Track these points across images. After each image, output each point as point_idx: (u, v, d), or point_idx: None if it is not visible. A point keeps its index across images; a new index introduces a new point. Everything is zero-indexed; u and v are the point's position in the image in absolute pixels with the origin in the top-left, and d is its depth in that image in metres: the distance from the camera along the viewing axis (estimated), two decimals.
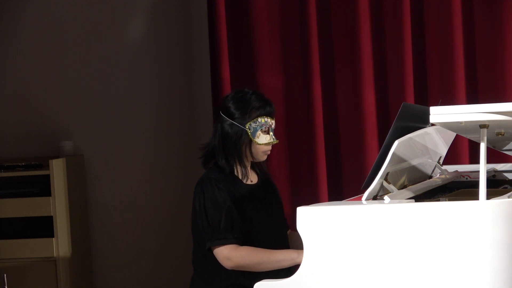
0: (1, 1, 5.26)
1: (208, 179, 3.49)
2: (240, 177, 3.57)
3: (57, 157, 5.02)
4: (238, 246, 3.42)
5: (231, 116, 3.54)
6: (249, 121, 3.52)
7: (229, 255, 3.41)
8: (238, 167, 3.57)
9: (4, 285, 4.40)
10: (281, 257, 3.38)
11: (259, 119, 3.52)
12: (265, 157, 3.60)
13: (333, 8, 4.71)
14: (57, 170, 4.86)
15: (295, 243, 3.56)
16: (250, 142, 3.53)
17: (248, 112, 3.52)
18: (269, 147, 3.58)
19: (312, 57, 4.68)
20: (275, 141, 3.58)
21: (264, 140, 3.54)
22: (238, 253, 3.40)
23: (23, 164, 4.99)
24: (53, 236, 4.82)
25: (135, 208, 5.27)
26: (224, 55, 4.74)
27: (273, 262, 3.39)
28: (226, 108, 3.56)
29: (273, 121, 3.58)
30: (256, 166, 3.67)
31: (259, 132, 3.52)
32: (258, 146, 3.53)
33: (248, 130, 3.51)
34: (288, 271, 3.28)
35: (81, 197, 5.19)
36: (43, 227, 4.91)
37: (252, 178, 3.63)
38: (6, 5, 5.26)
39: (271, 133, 3.56)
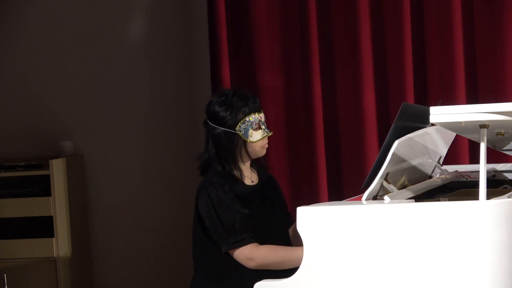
0: (1, 1, 5.26)
1: (211, 183, 3.46)
2: (239, 178, 3.55)
3: (57, 157, 5.02)
4: (258, 245, 3.39)
5: (219, 122, 3.49)
6: (237, 123, 3.49)
7: (251, 255, 3.38)
8: (235, 171, 3.55)
9: (4, 285, 4.40)
10: (302, 254, 3.35)
11: (247, 118, 3.49)
12: (264, 152, 3.57)
13: (333, 8, 4.71)
14: (57, 170, 4.86)
15: (299, 239, 3.55)
16: (244, 143, 3.51)
17: (234, 114, 3.48)
18: (266, 140, 3.55)
19: (312, 57, 4.68)
20: (270, 133, 3.54)
21: (258, 136, 3.51)
22: (260, 253, 3.37)
23: (23, 164, 4.99)
24: (53, 236, 4.83)
25: (135, 208, 5.27)
26: (224, 55, 4.74)
27: (295, 259, 3.33)
28: (212, 114, 3.52)
29: (262, 114, 3.53)
30: (255, 164, 3.65)
31: (250, 131, 3.49)
32: (253, 144, 3.51)
33: (239, 132, 3.49)
34: (289, 271, 3.28)
35: (81, 197, 5.19)
36: (43, 227, 4.91)
37: (253, 178, 3.62)
38: (6, 5, 5.26)
39: (263, 127, 3.53)
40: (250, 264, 3.38)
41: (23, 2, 5.25)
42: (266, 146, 3.56)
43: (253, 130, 3.49)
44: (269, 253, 3.37)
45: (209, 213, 3.42)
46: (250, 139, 3.49)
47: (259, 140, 3.51)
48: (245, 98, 3.51)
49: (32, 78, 5.28)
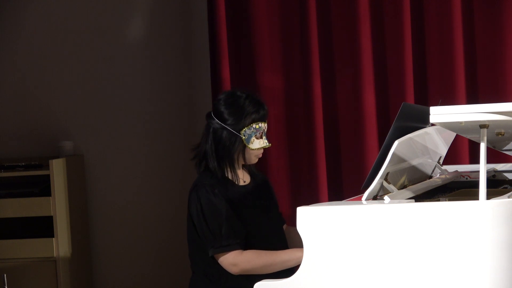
0: (1, 1, 5.26)
1: (202, 185, 3.47)
2: (232, 179, 3.56)
3: (57, 157, 5.02)
4: (242, 251, 3.41)
5: (224, 121, 3.51)
6: (243, 128, 3.50)
7: (235, 261, 3.39)
8: (229, 171, 3.55)
9: (4, 285, 4.40)
10: (286, 257, 3.38)
11: (254, 125, 3.50)
12: (256, 160, 3.60)
13: (333, 8, 4.71)
14: (57, 170, 4.86)
15: (292, 238, 3.56)
16: (244, 148, 3.52)
17: (243, 118, 3.49)
18: (262, 151, 3.58)
19: (312, 57, 4.68)
20: (268, 145, 3.57)
21: (257, 145, 3.53)
22: (244, 258, 3.38)
23: (23, 164, 4.99)
24: (53, 236, 4.82)
25: (135, 208, 5.27)
26: (224, 55, 4.74)
27: (279, 263, 3.37)
28: (219, 112, 3.53)
29: (266, 125, 3.57)
30: (246, 167, 3.66)
31: (253, 138, 3.51)
32: (251, 151, 3.53)
33: (243, 136, 3.49)
34: (289, 271, 3.28)
35: (81, 197, 5.19)
36: (43, 227, 4.91)
37: (245, 178, 3.63)
38: (6, 5, 5.26)
39: (264, 137, 3.55)
40: (233, 270, 3.39)
41: (23, 2, 5.25)
42: (260, 155, 3.59)
43: (256, 138, 3.51)
44: (253, 257, 3.38)
45: (198, 216, 3.43)
46: (251, 145, 3.51)
47: (258, 149, 3.53)
48: (257, 105, 3.53)
49: (32, 78, 5.28)
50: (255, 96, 3.58)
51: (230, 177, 3.55)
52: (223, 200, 3.44)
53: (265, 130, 3.55)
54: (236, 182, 3.55)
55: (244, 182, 3.61)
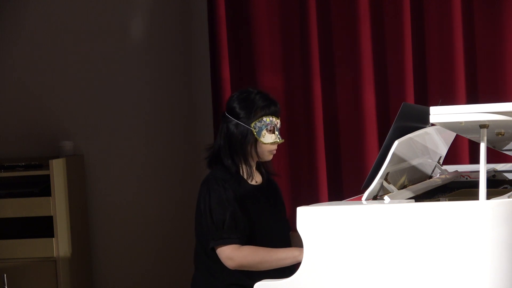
0: (1, 1, 5.26)
1: (215, 178, 3.49)
2: (245, 177, 3.58)
3: (57, 157, 5.02)
4: (240, 246, 3.42)
5: (236, 116, 3.54)
6: (254, 121, 3.52)
7: (231, 255, 3.41)
8: (244, 167, 3.57)
9: (4, 285, 4.40)
10: (283, 255, 3.39)
11: (264, 118, 3.53)
12: (271, 157, 3.60)
13: (333, 8, 4.71)
14: (57, 170, 4.86)
15: (297, 244, 3.56)
16: (255, 141, 3.54)
17: (253, 112, 3.52)
18: (275, 147, 3.58)
19: (312, 57, 4.68)
20: (281, 141, 3.58)
21: (269, 139, 3.54)
22: (240, 253, 3.40)
23: (23, 164, 4.99)
24: (53, 236, 4.82)
25: (135, 208, 5.27)
26: (224, 55, 4.74)
27: (275, 260, 3.39)
28: (231, 108, 3.57)
29: (278, 120, 3.58)
30: (262, 166, 3.67)
31: (264, 131, 3.53)
32: (263, 145, 3.54)
33: (253, 129, 3.52)
34: (289, 271, 3.28)
35: (81, 197, 5.19)
36: (43, 227, 4.91)
37: (257, 179, 3.64)
38: (6, 5, 5.26)
39: (277, 133, 3.56)
40: (230, 264, 3.41)
41: (23, 2, 5.25)
42: (274, 152, 3.60)
43: (267, 131, 3.53)
44: (250, 253, 3.40)
45: (205, 207, 3.45)
46: (262, 139, 3.52)
47: (270, 143, 3.54)
48: (268, 100, 3.57)
49: (32, 78, 5.28)
50: (266, 93, 3.61)
51: (244, 174, 3.56)
52: (232, 195, 3.46)
53: (277, 125, 3.57)
54: (249, 180, 3.57)
55: (256, 182, 3.62)
